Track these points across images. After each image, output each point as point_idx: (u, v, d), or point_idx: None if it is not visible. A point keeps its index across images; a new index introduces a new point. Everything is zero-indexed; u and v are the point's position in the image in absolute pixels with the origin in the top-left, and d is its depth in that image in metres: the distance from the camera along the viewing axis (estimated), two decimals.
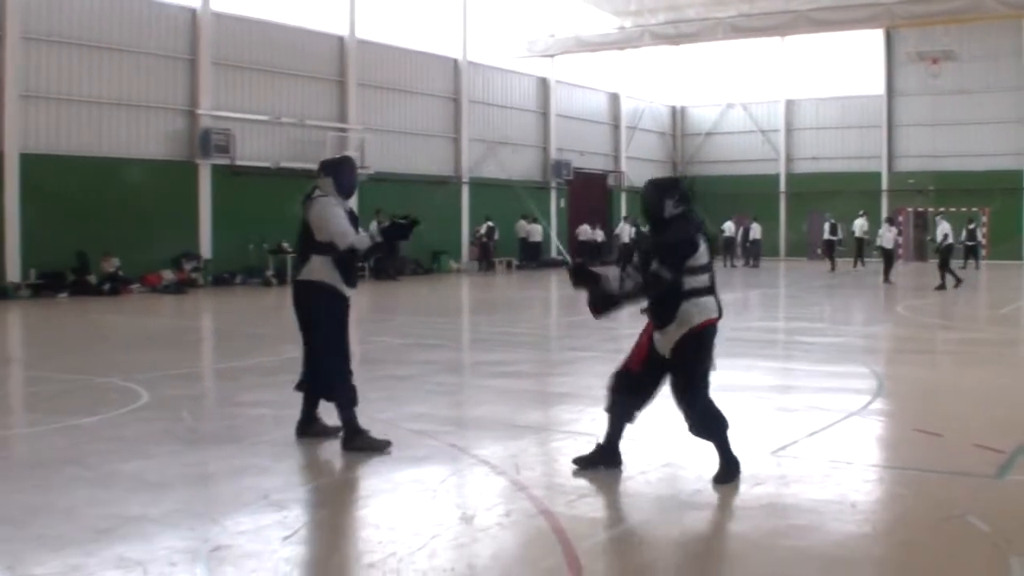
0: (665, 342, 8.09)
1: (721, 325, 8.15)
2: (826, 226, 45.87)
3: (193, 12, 33.68)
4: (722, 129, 59.06)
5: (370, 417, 10.46)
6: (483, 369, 15.08)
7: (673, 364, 8.11)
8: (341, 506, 7.52)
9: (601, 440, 8.50)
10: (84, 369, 14.56)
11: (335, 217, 9.20)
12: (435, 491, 7.79)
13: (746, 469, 8.24)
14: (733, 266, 47.21)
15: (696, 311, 7.98)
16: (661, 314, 8.04)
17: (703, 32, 43.81)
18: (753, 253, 47.88)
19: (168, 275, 31.47)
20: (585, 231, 49.52)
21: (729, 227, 48.73)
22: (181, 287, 31.11)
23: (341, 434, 9.34)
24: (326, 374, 9.35)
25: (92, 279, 30.00)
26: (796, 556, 6.36)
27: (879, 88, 54.38)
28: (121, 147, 31.86)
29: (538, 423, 10.70)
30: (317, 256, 9.26)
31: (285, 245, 33.52)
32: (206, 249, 33.86)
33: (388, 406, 11.31)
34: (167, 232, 32.07)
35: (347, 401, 9.28)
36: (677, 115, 60.35)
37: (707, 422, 8.15)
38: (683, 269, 7.90)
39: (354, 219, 9.46)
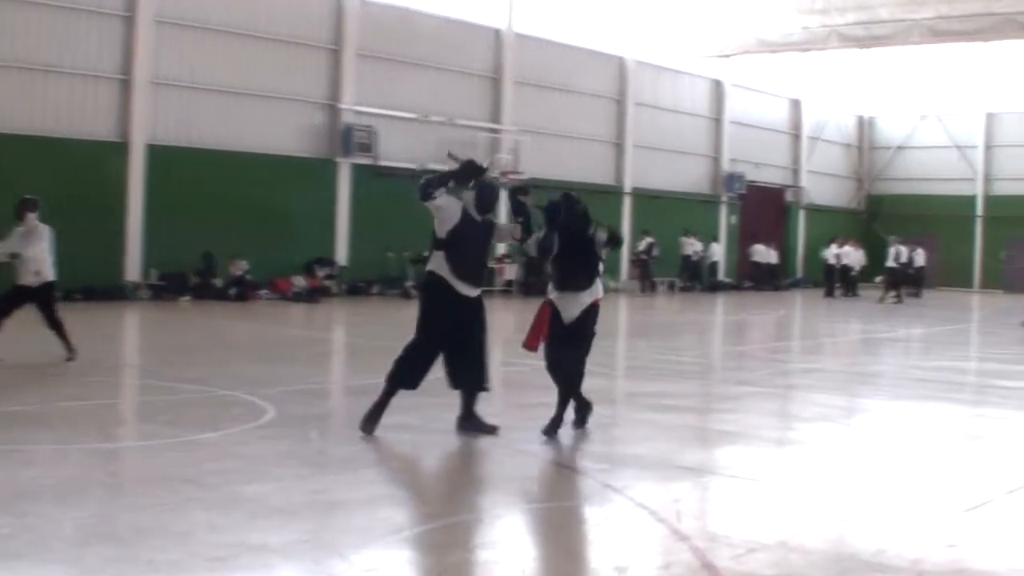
0: None
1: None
2: (891, 251, 41.86)
3: None
4: (914, 143, 57.94)
5: (515, 449, 10.43)
6: (641, 401, 14.88)
7: None
8: (480, 547, 7.42)
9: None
10: (206, 380, 14.68)
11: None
12: (586, 536, 7.67)
13: (935, 529, 7.99)
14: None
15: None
16: None
17: (897, 35, 42.95)
18: (916, 281, 44.49)
19: (299, 281, 31.69)
20: (759, 251, 48.92)
21: (898, 252, 42.69)
22: (313, 295, 31.20)
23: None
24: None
25: (217, 282, 30.50)
26: None
27: None
28: (255, 141, 32.17)
29: (701, 464, 10.47)
30: (435, 251, 12.08)
31: (426, 255, 33.70)
32: (342, 255, 34.08)
33: (534, 437, 11.18)
34: (301, 235, 32.32)
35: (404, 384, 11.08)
36: (864, 126, 59.42)
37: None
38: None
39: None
